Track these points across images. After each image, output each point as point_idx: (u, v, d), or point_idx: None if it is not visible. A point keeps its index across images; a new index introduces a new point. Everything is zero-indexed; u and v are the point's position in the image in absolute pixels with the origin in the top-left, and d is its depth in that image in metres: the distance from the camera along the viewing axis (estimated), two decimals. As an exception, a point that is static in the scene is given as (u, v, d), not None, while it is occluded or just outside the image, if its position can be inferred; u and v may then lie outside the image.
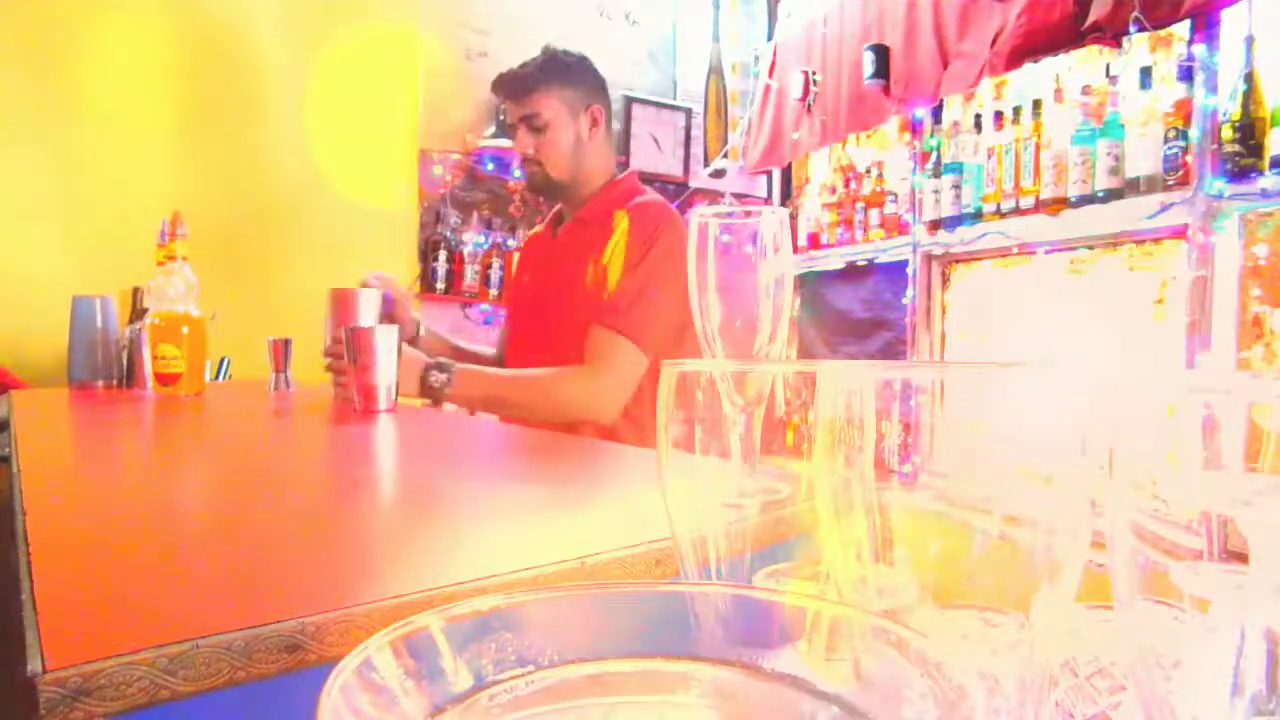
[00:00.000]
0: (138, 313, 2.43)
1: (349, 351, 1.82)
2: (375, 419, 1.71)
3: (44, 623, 0.49)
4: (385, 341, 1.81)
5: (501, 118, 4.02)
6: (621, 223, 2.16)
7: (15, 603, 0.53)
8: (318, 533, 0.77)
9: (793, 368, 0.53)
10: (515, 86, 2.26)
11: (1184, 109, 2.69)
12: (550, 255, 2.35)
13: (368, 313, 2.04)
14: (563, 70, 2.26)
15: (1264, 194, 2.50)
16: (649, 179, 4.69)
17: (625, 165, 4.60)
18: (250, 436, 1.58)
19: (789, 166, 4.94)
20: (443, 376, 1.99)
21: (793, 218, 4.57)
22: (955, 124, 3.74)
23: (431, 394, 2.00)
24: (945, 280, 3.82)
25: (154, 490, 1.00)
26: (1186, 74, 2.69)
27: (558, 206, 2.42)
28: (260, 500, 0.94)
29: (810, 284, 4.45)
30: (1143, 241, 2.94)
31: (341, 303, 2.04)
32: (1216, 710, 0.30)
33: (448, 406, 2.18)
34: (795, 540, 0.46)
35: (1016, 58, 3.18)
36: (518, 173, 4.08)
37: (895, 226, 4.02)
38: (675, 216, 2.23)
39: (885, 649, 0.28)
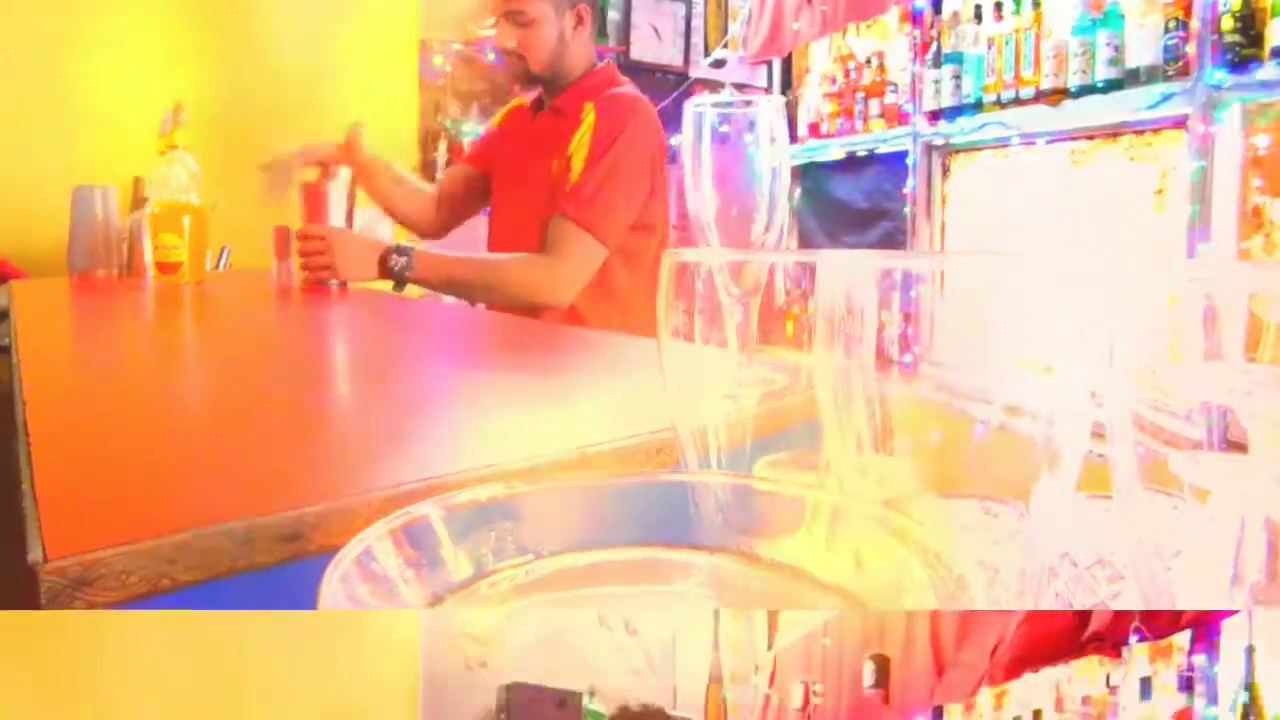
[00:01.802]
0: (139, 203, 2.41)
1: (303, 210, 2.03)
2: (376, 306, 1.70)
3: (44, 512, 0.49)
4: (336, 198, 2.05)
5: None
6: (589, 115, 2.14)
7: (16, 493, 0.54)
8: (317, 423, 0.78)
9: (792, 257, 0.52)
10: None
11: (1184, -1, 2.64)
12: (527, 139, 2.32)
13: (338, 203, 2.10)
14: None
15: (1264, 85, 2.47)
16: (649, 69, 4.62)
17: (625, 55, 4.53)
18: (250, 326, 1.58)
19: (789, 56, 4.86)
20: (402, 260, 1.99)
21: (793, 107, 4.51)
22: (955, 14, 3.67)
23: (392, 277, 2.01)
24: (945, 171, 3.79)
25: (154, 380, 1.00)
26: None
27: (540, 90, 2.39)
28: (261, 390, 0.94)
29: (810, 175, 4.41)
30: (1142, 132, 2.91)
31: (311, 196, 2.10)
32: (1216, 599, 0.31)
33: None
34: (796, 430, 0.46)
35: None
36: (491, 55, 4.02)
37: (895, 117, 3.97)
38: (645, 109, 2.21)
39: (885, 538, 0.29)
